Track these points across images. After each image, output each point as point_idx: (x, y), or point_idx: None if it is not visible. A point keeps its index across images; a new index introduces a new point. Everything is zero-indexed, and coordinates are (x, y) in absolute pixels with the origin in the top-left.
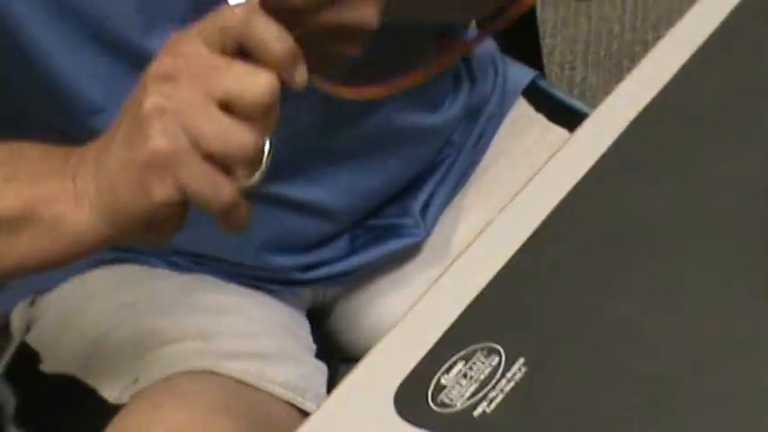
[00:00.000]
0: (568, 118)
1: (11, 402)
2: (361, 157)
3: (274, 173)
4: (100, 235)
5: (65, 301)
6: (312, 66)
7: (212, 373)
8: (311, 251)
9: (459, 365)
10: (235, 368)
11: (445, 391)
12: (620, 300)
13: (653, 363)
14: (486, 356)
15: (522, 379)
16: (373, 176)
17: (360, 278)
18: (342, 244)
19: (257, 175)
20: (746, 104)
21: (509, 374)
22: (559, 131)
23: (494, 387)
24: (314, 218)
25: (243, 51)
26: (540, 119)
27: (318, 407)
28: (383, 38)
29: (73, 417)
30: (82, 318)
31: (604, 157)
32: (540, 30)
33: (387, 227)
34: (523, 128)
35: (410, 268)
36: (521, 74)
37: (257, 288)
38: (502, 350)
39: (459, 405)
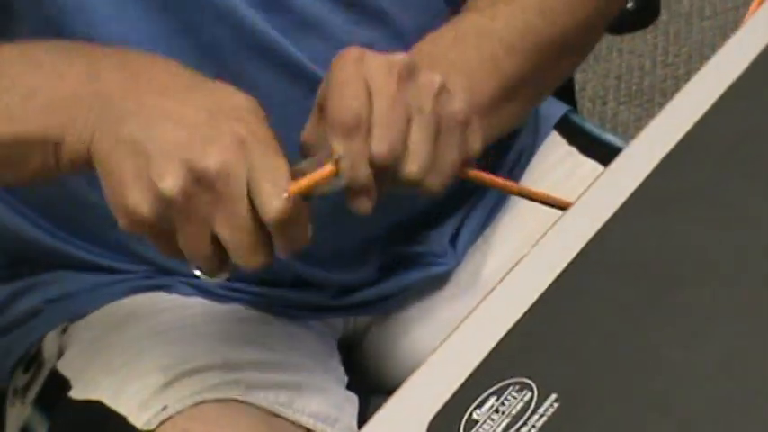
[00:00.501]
0: (601, 152)
1: (42, 429)
2: None
3: None
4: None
5: (96, 328)
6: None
7: (241, 402)
8: (341, 271)
9: (492, 400)
10: (264, 398)
11: (477, 426)
12: (654, 335)
13: (688, 399)
14: (519, 392)
15: (554, 414)
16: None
17: (389, 308)
18: (371, 269)
19: (216, 277)
20: None
21: (541, 410)
22: (592, 165)
23: (525, 422)
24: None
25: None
26: (573, 152)
27: None
28: None
29: None
30: (112, 345)
31: (638, 191)
32: None
33: (416, 255)
34: (556, 161)
35: (440, 299)
36: (553, 108)
37: (288, 317)
38: (534, 385)
39: None
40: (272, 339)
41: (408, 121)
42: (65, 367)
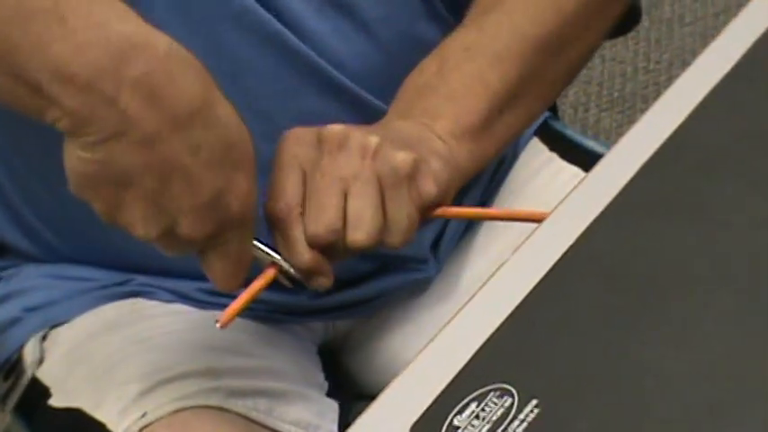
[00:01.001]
0: (582, 157)
1: None
2: None
3: None
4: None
5: (76, 335)
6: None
7: (221, 409)
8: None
9: (472, 406)
10: (244, 405)
11: None
12: (634, 341)
13: (668, 405)
14: (499, 397)
15: (534, 420)
16: None
17: (370, 313)
18: (350, 267)
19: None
20: (762, 146)
21: (521, 416)
22: (573, 170)
23: (506, 428)
24: None
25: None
26: (554, 158)
27: None
28: None
29: None
30: (92, 352)
31: (618, 198)
32: None
33: (396, 260)
34: (537, 167)
35: (420, 305)
36: None
37: (269, 321)
38: (515, 391)
39: None
40: (253, 346)
41: (343, 193)
42: (45, 375)
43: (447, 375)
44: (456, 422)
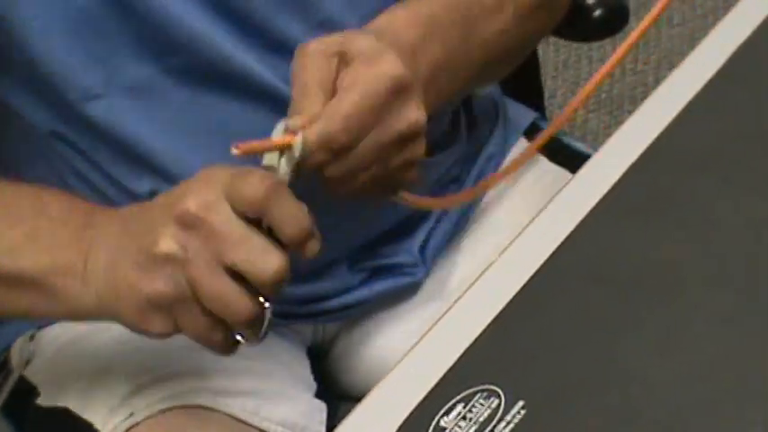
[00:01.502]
0: (569, 159)
1: None
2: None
3: None
4: (98, 315)
5: (63, 336)
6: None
7: (208, 409)
8: (308, 281)
9: (459, 408)
10: (231, 405)
11: None
12: (620, 343)
13: (654, 407)
14: (486, 399)
15: (521, 421)
16: (374, 216)
17: (358, 316)
18: (339, 278)
19: (253, 340)
20: (748, 147)
21: (508, 417)
22: (560, 172)
23: (493, 430)
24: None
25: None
26: (541, 159)
27: None
28: None
29: None
30: (80, 353)
31: (605, 199)
32: (542, 72)
33: (385, 266)
34: (524, 168)
35: (409, 307)
36: (522, 115)
37: None
38: (501, 393)
39: None
40: (243, 346)
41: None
42: (32, 374)
43: (434, 376)
44: (443, 423)
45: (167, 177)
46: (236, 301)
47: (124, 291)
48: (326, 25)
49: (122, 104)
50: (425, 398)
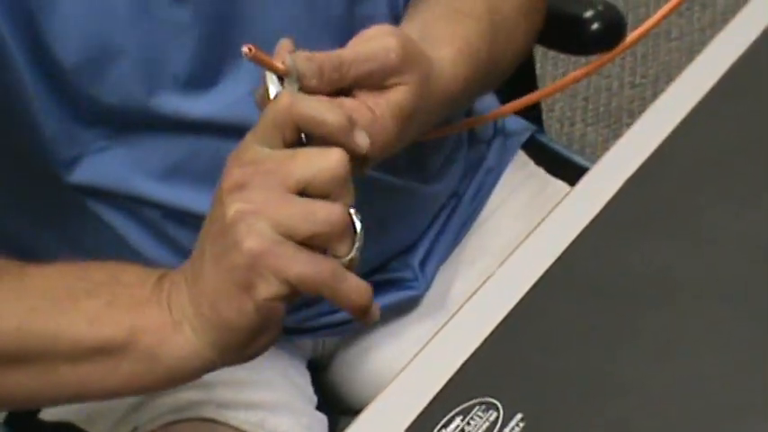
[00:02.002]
0: (568, 171)
1: None
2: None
3: None
4: (201, 360)
5: None
6: None
7: (212, 421)
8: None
9: (458, 420)
10: (235, 417)
11: None
12: (619, 355)
13: (652, 419)
14: (485, 411)
15: None
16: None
17: (359, 329)
18: None
19: (354, 251)
20: (745, 160)
21: (507, 430)
22: (559, 185)
23: None
24: None
25: (303, 140)
26: (540, 172)
27: None
28: None
29: None
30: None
31: (603, 212)
32: (540, 86)
33: (386, 280)
34: (523, 181)
35: (409, 321)
36: (520, 128)
37: None
38: (500, 405)
39: None
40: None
41: None
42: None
43: (432, 389)
44: None
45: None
46: (321, 210)
47: (214, 286)
48: None
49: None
50: (424, 410)
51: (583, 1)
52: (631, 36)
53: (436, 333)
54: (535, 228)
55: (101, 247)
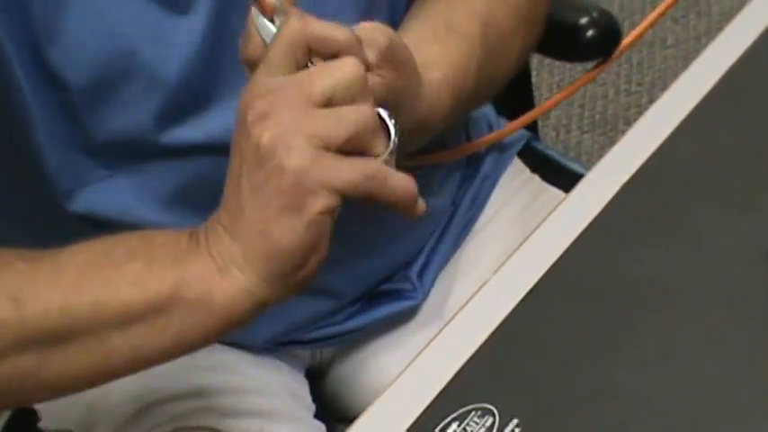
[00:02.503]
0: (563, 179)
1: None
2: (368, 241)
3: None
4: (251, 300)
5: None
6: None
7: (213, 430)
8: (307, 308)
9: (454, 426)
10: (236, 426)
11: None
12: (613, 363)
13: (648, 424)
14: (481, 417)
15: None
16: (379, 258)
17: (357, 339)
18: (338, 304)
19: (392, 144)
20: (739, 166)
21: None
22: (554, 192)
23: None
24: (320, 299)
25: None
26: (535, 179)
27: None
28: None
29: None
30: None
31: (598, 218)
32: (536, 93)
33: (384, 291)
34: (518, 188)
35: (407, 329)
36: (516, 135)
37: (254, 351)
38: (496, 411)
39: None
40: (242, 368)
41: None
42: None
43: (428, 395)
44: None
45: None
46: (351, 112)
47: (261, 214)
48: None
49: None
50: (420, 416)
51: (577, 8)
52: (626, 40)
53: (432, 339)
54: (530, 234)
55: None
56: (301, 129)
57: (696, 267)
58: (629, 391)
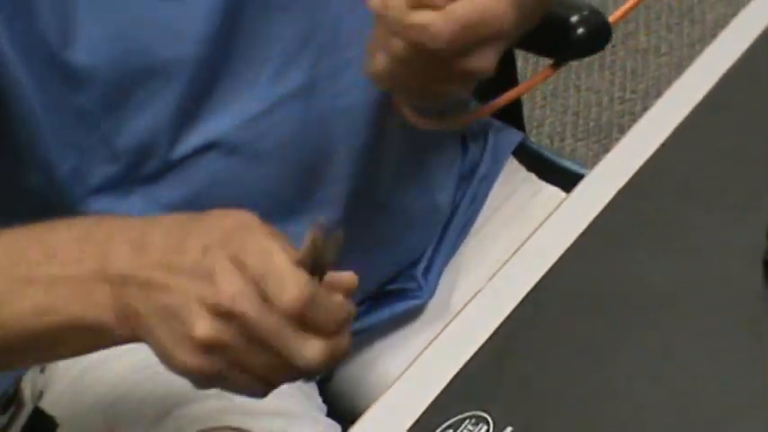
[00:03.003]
0: (559, 177)
1: None
2: (373, 242)
3: None
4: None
5: (76, 366)
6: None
7: (236, 430)
8: None
9: None
10: (259, 426)
11: None
12: (609, 368)
13: (645, 430)
14: (475, 425)
15: None
16: (384, 258)
17: (362, 339)
18: None
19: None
20: (734, 173)
21: None
22: (551, 189)
23: None
24: None
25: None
26: (532, 178)
27: None
28: None
29: None
30: (98, 381)
31: (594, 224)
32: (530, 101)
33: (391, 291)
34: (515, 187)
35: (412, 329)
36: (510, 136)
37: None
38: (490, 419)
39: None
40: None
41: None
42: (50, 406)
43: (423, 403)
44: None
45: None
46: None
47: (158, 344)
48: None
49: None
50: (415, 424)
51: (567, 5)
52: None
53: (426, 347)
54: (524, 242)
55: None
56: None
57: (692, 272)
58: (626, 398)
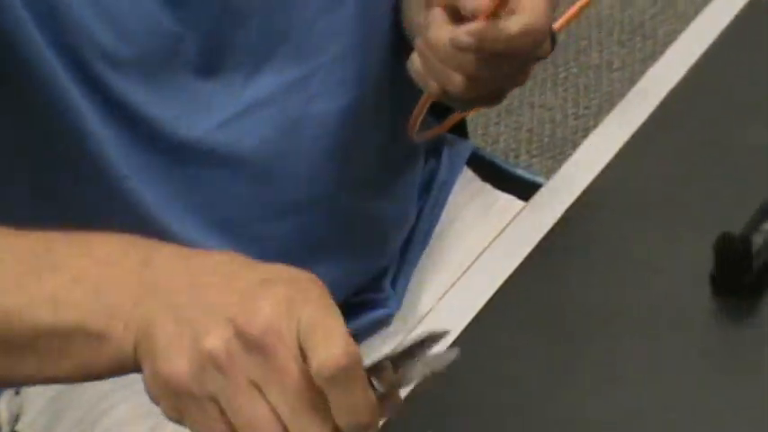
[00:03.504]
0: (513, 185)
1: None
2: (342, 253)
3: None
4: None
5: (51, 387)
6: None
7: None
8: None
9: None
10: None
11: None
12: (561, 385)
13: None
14: None
15: None
16: (353, 268)
17: None
18: None
19: None
20: (684, 189)
21: None
22: (507, 198)
23: None
24: None
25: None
26: (487, 187)
27: None
28: None
29: None
30: (76, 401)
31: (544, 241)
32: (485, 118)
33: (361, 302)
34: (473, 195)
35: (379, 338)
36: (462, 145)
37: None
38: None
39: None
40: None
41: None
42: (27, 427)
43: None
44: None
45: None
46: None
47: (154, 341)
48: None
49: None
50: None
51: None
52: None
53: None
54: (472, 263)
55: None
56: (231, 383)
57: (640, 286)
58: (573, 416)
